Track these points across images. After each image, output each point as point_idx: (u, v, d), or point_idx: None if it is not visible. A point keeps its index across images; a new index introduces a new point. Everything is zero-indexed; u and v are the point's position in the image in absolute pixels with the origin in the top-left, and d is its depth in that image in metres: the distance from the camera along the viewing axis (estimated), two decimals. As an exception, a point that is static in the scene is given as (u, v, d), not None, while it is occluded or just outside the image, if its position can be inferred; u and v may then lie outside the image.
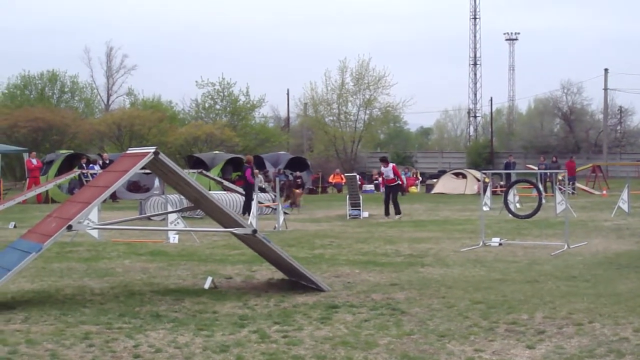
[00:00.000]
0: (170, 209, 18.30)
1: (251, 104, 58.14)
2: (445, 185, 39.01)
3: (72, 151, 37.75)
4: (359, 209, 23.24)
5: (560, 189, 22.40)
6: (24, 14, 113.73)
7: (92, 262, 13.21)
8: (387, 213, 23.08)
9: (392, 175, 23.43)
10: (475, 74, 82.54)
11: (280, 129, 65.51)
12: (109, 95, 68.66)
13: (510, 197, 20.64)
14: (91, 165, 31.88)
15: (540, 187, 22.01)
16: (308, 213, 25.13)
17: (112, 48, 69.17)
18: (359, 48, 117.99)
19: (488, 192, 24.85)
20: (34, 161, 32.01)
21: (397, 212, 23.01)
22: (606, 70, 58.86)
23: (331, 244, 16.00)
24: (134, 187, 34.74)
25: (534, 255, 13.93)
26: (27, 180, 31.97)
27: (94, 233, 15.83)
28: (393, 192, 23.43)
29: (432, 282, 10.99)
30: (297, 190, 28.70)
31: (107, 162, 31.02)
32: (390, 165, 23.79)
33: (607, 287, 10.38)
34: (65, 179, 29.48)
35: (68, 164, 33.50)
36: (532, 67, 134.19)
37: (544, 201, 18.98)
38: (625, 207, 22.52)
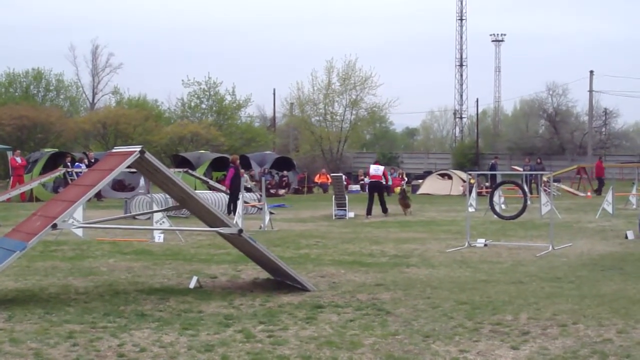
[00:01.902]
0: (155, 208, 18.26)
1: (237, 103, 57.99)
2: (431, 186, 39.09)
3: (56, 149, 37.55)
4: (345, 209, 23.26)
5: (545, 191, 22.47)
6: (9, 10, 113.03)
7: (76, 261, 13.15)
8: (383, 210, 23.57)
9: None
10: (461, 75, 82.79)
11: (266, 128, 65.36)
12: (94, 94, 68.29)
13: (495, 198, 20.69)
14: (77, 164, 31.73)
15: (525, 188, 22.05)
16: (294, 213, 25.11)
17: (98, 46, 68.75)
18: (345, 48, 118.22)
19: (473, 193, 24.92)
20: (18, 159, 31.82)
21: (368, 212, 23.42)
22: (591, 72, 59.16)
23: (317, 244, 15.99)
24: (119, 186, 34.61)
25: (519, 256, 13.97)
26: (11, 178, 31.77)
27: (79, 232, 15.78)
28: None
29: (417, 282, 11.01)
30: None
31: (93, 160, 30.92)
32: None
33: (592, 289, 10.43)
34: (49, 177, 29.38)
35: (52, 163, 33.33)
36: (517, 68, 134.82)
37: (529, 202, 19.05)
38: (609, 208, 22.62)
